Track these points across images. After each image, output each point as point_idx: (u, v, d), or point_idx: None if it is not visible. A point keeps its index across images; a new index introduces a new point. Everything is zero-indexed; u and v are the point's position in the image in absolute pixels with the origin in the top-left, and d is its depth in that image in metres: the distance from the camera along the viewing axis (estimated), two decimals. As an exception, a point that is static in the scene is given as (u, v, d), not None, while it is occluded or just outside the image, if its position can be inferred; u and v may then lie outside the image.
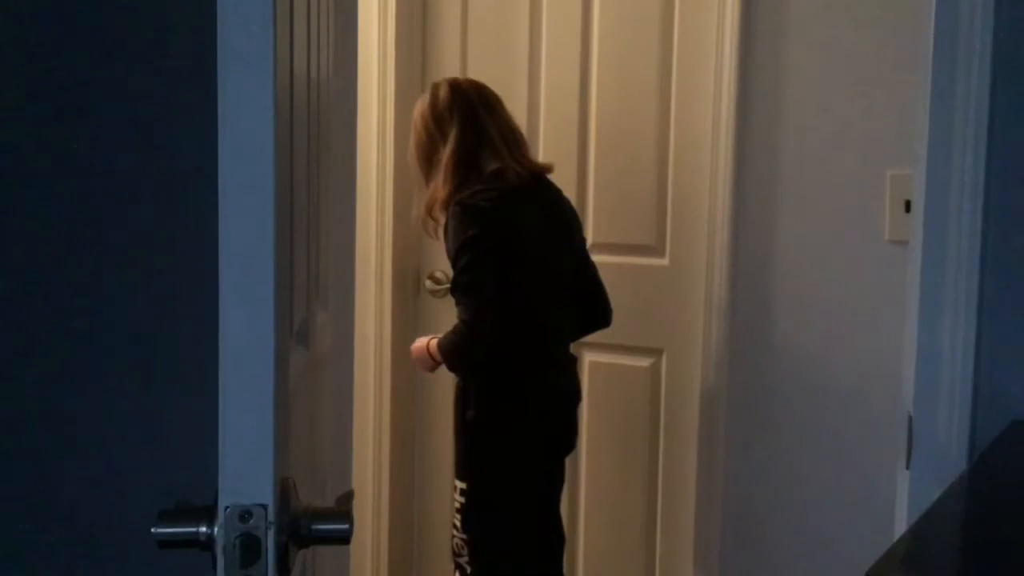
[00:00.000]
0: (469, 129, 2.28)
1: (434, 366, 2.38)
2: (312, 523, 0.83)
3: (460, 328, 2.21)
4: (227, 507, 0.73)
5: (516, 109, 2.72)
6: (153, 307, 1.39)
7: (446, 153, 2.27)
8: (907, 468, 1.40)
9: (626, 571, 2.67)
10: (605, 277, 2.43)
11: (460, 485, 2.28)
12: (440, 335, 2.32)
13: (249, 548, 0.73)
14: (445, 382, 2.91)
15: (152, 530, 0.78)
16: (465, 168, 2.26)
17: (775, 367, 2.36)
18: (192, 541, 0.76)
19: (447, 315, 2.88)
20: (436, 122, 2.31)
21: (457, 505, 2.29)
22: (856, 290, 2.26)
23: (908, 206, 1.54)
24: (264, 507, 0.73)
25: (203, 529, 0.76)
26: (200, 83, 1.06)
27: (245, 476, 0.74)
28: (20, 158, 1.37)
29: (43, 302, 1.39)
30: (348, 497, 0.96)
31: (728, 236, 2.37)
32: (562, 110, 2.67)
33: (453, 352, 2.26)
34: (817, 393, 2.31)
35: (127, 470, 1.40)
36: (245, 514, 0.73)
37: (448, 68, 2.83)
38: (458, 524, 2.28)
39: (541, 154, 2.71)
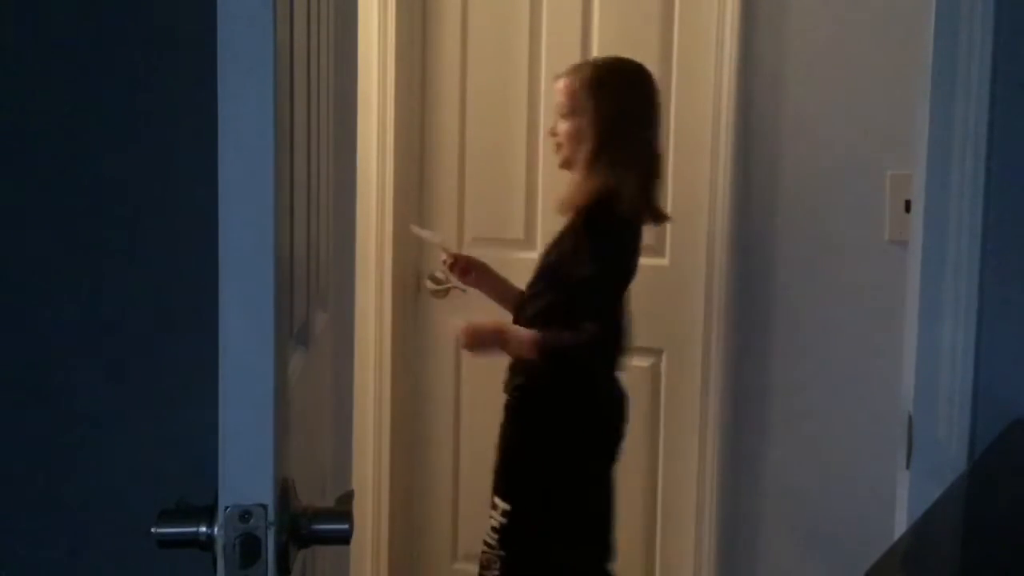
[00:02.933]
0: (642, 155, 2.17)
1: (489, 349, 2.25)
2: (312, 523, 0.83)
3: (587, 334, 2.09)
4: (227, 507, 0.73)
5: (516, 109, 2.73)
6: (153, 307, 1.39)
7: (619, 162, 2.13)
8: (907, 468, 1.40)
9: (626, 571, 2.67)
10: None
11: (502, 505, 2.18)
12: (508, 326, 2.22)
13: (249, 548, 0.73)
14: (444, 382, 2.91)
15: (152, 530, 0.78)
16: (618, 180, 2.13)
17: (775, 367, 2.36)
18: (192, 541, 0.76)
19: (447, 315, 2.89)
20: (625, 117, 2.16)
21: (496, 524, 2.19)
22: (856, 290, 2.26)
23: (908, 206, 1.54)
24: (264, 507, 0.73)
25: (203, 529, 0.76)
26: (200, 83, 1.06)
27: (245, 476, 0.74)
28: (20, 157, 1.37)
29: (42, 302, 1.39)
30: (348, 497, 0.96)
31: (728, 236, 2.37)
32: (562, 110, 2.67)
33: (567, 352, 2.12)
34: (817, 393, 2.32)
35: (127, 470, 1.40)
36: (245, 514, 0.73)
37: (448, 68, 2.84)
38: (493, 543, 2.19)
39: (541, 154, 2.71)
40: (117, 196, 1.38)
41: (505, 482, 2.21)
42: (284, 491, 0.77)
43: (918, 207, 1.40)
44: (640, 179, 2.14)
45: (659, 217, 2.23)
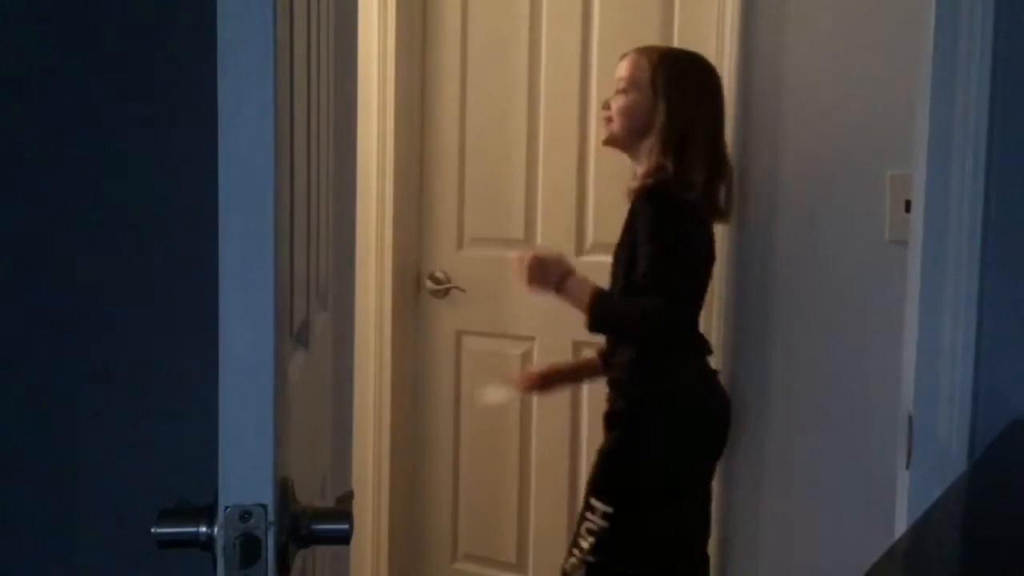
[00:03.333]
0: (711, 150, 2.10)
1: (548, 285, 2.13)
2: (312, 523, 0.83)
3: (648, 308, 1.99)
4: (227, 507, 0.73)
5: (516, 110, 2.73)
6: (153, 307, 1.39)
7: (689, 139, 2.05)
8: (907, 468, 1.40)
9: (626, 571, 2.67)
10: (605, 277, 2.42)
11: (602, 507, 2.04)
12: (591, 285, 2.08)
13: (249, 548, 0.73)
14: (444, 382, 2.91)
15: (152, 530, 0.78)
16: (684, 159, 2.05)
17: (775, 367, 2.36)
18: (192, 541, 0.76)
19: (447, 315, 2.89)
20: (697, 107, 2.09)
21: (592, 527, 2.05)
22: (856, 290, 2.26)
23: (908, 206, 1.55)
24: (264, 507, 0.73)
25: (203, 529, 0.76)
26: (200, 83, 1.06)
27: (245, 476, 0.74)
28: (19, 158, 1.37)
29: (43, 302, 1.39)
30: (348, 497, 0.96)
31: (727, 236, 2.37)
32: (562, 110, 2.67)
33: (621, 319, 2.06)
34: (817, 393, 2.31)
35: (127, 470, 1.40)
36: (245, 514, 0.73)
37: (448, 68, 2.84)
38: (586, 546, 2.05)
39: (541, 155, 2.71)
40: (117, 198, 1.38)
41: (607, 483, 2.07)
42: (284, 491, 0.77)
43: (918, 207, 1.40)
44: (706, 173, 2.08)
45: (722, 216, 2.16)
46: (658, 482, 2.08)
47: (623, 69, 2.15)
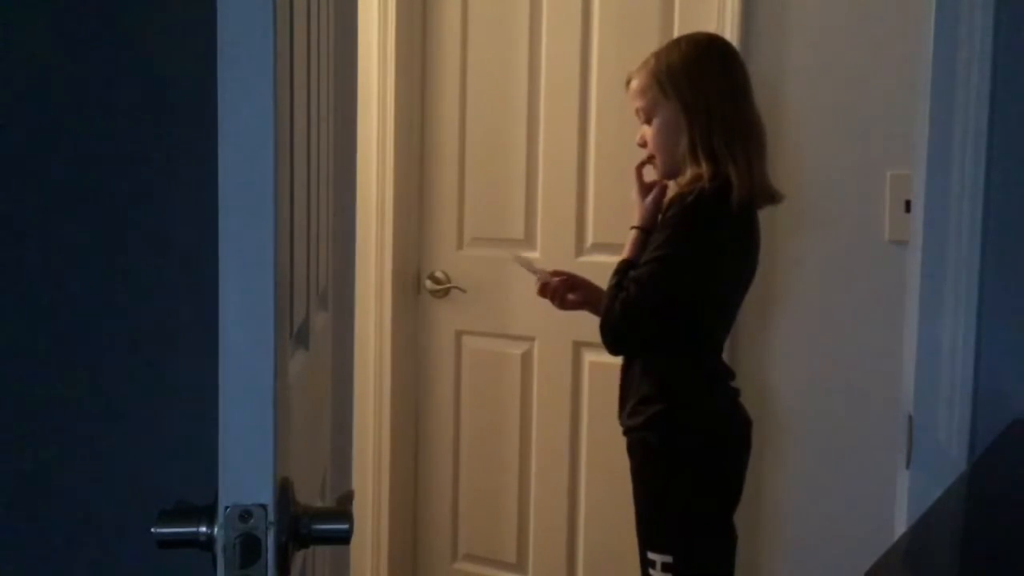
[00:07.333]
0: (743, 133, 1.89)
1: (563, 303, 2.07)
2: (312, 523, 0.83)
3: (626, 296, 1.87)
4: (227, 507, 0.73)
5: (516, 109, 2.73)
6: (153, 306, 1.39)
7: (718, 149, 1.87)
8: (907, 468, 1.40)
9: (626, 571, 2.67)
10: (605, 277, 2.42)
11: (662, 558, 1.91)
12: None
13: (249, 548, 0.73)
14: (444, 383, 2.91)
15: (152, 530, 0.78)
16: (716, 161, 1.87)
17: (775, 367, 2.36)
18: (192, 541, 0.76)
19: (447, 315, 2.89)
20: (708, 95, 1.89)
21: None
22: (856, 290, 2.26)
23: (908, 206, 1.55)
24: (264, 507, 0.73)
25: (203, 529, 0.76)
26: (200, 83, 1.06)
27: (245, 476, 0.74)
28: (18, 157, 1.37)
29: (42, 301, 1.39)
30: (348, 497, 0.96)
31: (728, 236, 2.36)
32: (562, 110, 2.67)
33: (607, 312, 1.91)
34: (817, 393, 2.31)
35: (127, 470, 1.40)
36: (245, 514, 0.73)
37: (448, 68, 2.84)
38: None
39: (541, 155, 2.71)
40: (117, 196, 1.38)
41: (658, 531, 1.94)
42: (284, 491, 0.77)
43: (918, 207, 1.41)
44: (746, 159, 1.87)
45: (773, 196, 1.95)
46: (700, 516, 1.96)
47: (635, 98, 1.98)
